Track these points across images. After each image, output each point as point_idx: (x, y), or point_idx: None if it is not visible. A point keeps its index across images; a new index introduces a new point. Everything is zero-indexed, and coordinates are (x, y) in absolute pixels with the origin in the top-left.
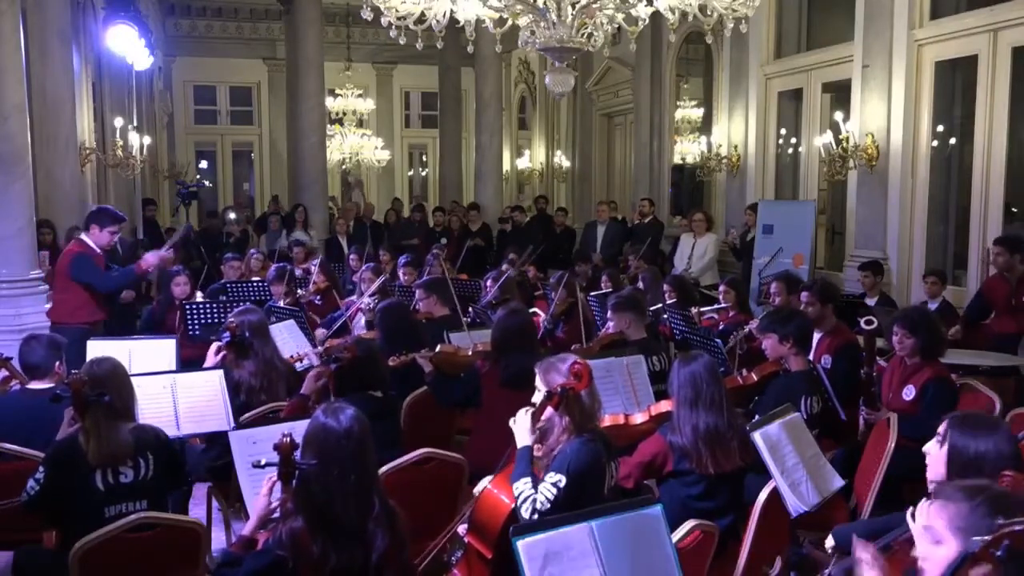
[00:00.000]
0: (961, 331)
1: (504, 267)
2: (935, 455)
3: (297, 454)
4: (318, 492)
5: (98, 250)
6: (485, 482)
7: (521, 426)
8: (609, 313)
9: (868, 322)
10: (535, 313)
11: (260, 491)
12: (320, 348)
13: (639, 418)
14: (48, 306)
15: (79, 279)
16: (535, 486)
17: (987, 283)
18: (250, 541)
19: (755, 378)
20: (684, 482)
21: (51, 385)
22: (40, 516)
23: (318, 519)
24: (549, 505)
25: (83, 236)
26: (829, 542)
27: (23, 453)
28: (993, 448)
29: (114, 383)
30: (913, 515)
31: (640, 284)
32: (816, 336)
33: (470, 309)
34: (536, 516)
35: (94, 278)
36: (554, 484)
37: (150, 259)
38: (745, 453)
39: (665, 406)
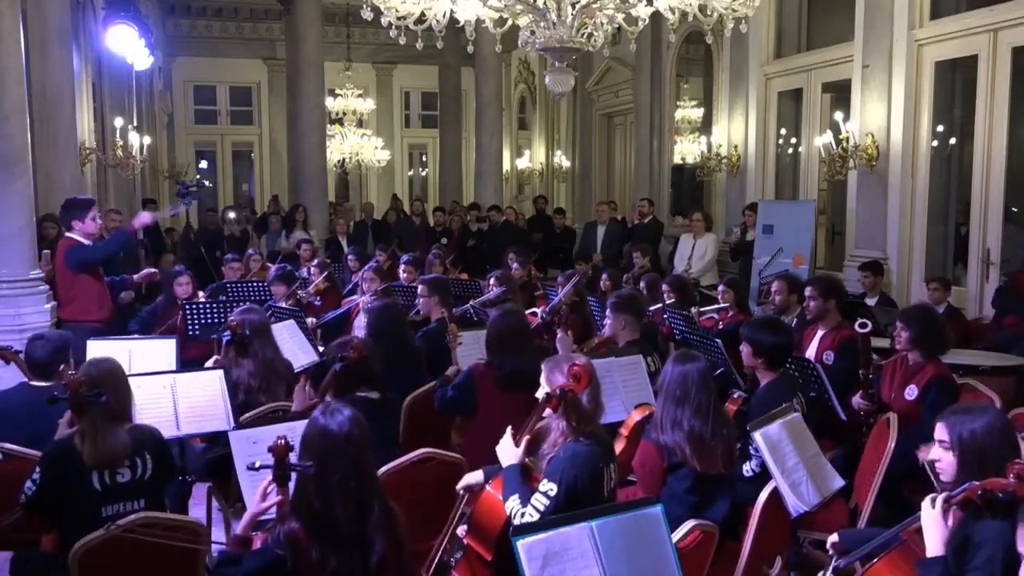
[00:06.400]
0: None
1: (514, 268)
2: (946, 458)
3: (292, 456)
4: (316, 496)
5: (88, 243)
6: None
7: (505, 450)
8: (608, 311)
9: (862, 325)
10: (533, 313)
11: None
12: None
13: (619, 446)
14: (49, 306)
15: (74, 263)
16: (524, 503)
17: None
18: (245, 540)
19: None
20: (677, 476)
21: (51, 384)
22: (39, 517)
23: (316, 522)
24: (539, 516)
25: (69, 234)
26: (833, 538)
27: (23, 453)
28: (991, 424)
29: (111, 384)
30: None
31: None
32: (819, 333)
33: (470, 305)
34: None
35: (85, 254)
36: (545, 494)
37: (144, 217)
38: (728, 463)
39: (636, 416)
